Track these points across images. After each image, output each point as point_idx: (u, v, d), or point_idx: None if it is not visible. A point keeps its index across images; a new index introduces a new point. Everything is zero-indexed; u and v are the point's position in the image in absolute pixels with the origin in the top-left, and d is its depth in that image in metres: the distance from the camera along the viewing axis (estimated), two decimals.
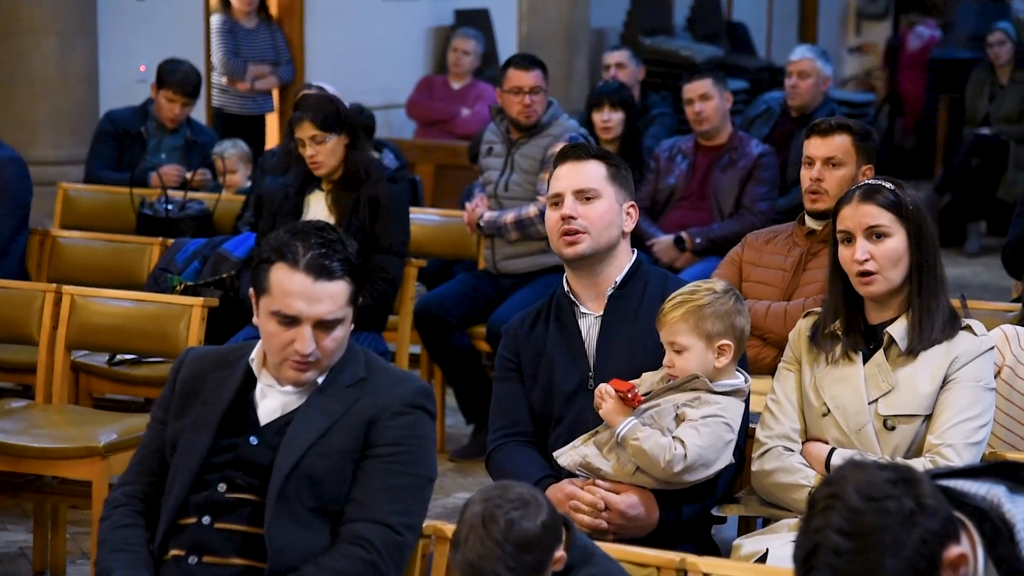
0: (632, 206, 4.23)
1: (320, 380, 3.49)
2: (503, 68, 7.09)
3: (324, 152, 6.14)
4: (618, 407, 3.89)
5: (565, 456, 4.00)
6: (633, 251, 4.27)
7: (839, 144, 5.17)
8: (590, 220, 4.13)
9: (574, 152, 4.24)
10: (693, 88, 7.49)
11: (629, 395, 3.87)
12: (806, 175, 5.22)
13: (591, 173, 4.17)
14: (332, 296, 3.43)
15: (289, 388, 3.49)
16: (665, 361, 3.96)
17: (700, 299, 3.91)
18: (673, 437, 3.85)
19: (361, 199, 6.14)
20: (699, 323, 3.89)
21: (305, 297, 3.41)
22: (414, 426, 3.46)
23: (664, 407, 3.91)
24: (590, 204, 4.14)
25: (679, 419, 3.89)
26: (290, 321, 3.42)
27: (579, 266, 4.19)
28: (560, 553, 3.06)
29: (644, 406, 3.90)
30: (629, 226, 4.21)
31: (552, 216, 4.20)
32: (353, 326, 3.53)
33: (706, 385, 3.91)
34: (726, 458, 3.92)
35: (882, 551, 2.32)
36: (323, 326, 3.43)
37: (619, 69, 9.31)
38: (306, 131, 6.13)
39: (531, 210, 6.78)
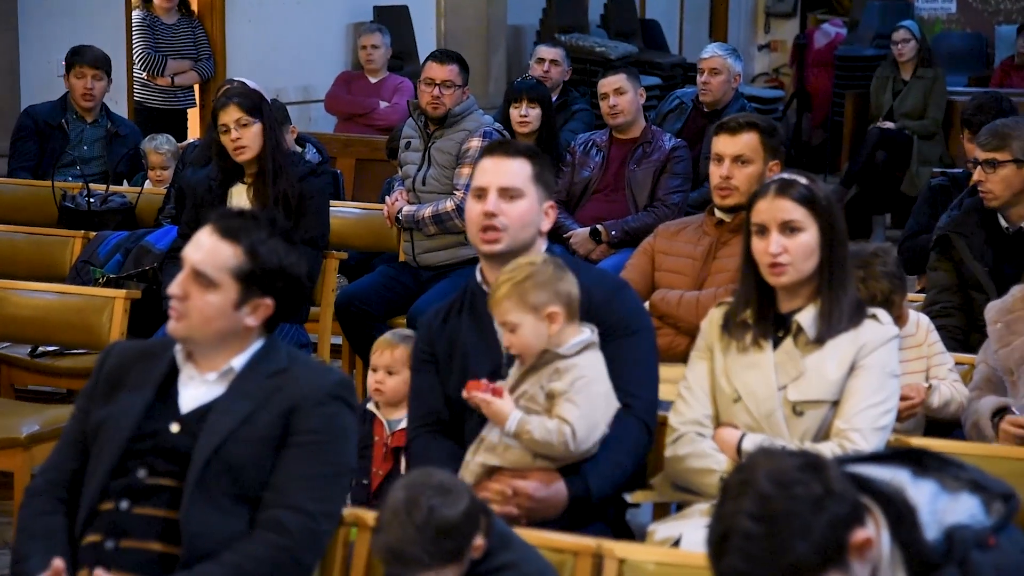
0: (551, 206, 4.24)
1: (239, 367, 3.50)
2: (425, 60, 7.19)
3: (249, 136, 6.13)
4: (501, 405, 3.89)
5: (467, 473, 3.97)
6: (545, 242, 4.30)
7: (747, 142, 5.25)
8: (510, 219, 4.14)
9: (502, 148, 4.25)
10: (608, 83, 7.60)
11: (492, 391, 3.90)
12: (715, 172, 5.28)
13: (517, 171, 4.18)
14: (214, 249, 3.48)
15: (210, 376, 3.51)
16: (504, 342, 3.97)
17: (519, 274, 3.91)
18: (557, 417, 3.86)
19: (278, 197, 6.19)
20: (523, 297, 3.88)
21: (196, 242, 3.50)
22: (334, 416, 3.47)
23: (531, 391, 3.92)
24: (513, 203, 4.15)
25: (550, 396, 3.90)
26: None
27: (495, 261, 4.23)
28: (479, 540, 3.14)
29: (515, 395, 3.91)
30: (546, 226, 4.22)
31: (474, 209, 4.20)
32: (251, 317, 3.52)
33: (556, 355, 3.92)
34: (611, 407, 3.94)
35: (792, 535, 2.40)
36: (196, 279, 3.46)
37: (553, 65, 9.26)
38: (231, 115, 6.12)
39: (448, 204, 6.84)
